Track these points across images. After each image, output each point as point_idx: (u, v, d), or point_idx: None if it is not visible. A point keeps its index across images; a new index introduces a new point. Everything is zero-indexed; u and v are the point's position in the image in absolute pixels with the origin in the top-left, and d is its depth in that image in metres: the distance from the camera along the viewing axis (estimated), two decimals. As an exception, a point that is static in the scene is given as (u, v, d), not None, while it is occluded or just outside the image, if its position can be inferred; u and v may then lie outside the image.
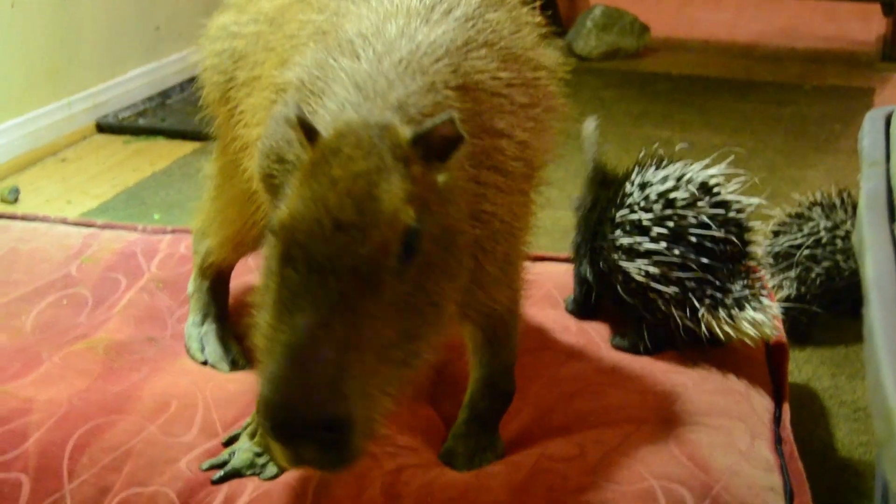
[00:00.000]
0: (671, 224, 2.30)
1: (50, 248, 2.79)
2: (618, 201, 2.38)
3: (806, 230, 3.03)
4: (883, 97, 5.46)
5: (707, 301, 2.28)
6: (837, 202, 3.06)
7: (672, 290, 2.28)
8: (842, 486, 2.42)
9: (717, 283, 2.29)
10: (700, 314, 2.28)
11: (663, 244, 2.28)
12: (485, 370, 2.05)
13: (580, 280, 2.52)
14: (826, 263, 2.98)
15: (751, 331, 2.28)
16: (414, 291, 1.45)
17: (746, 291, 2.31)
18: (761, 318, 2.28)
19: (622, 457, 1.96)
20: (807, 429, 2.58)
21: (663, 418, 2.10)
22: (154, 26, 5.34)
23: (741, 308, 2.28)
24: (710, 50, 6.52)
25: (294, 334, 1.37)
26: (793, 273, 2.99)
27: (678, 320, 2.30)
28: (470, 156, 1.69)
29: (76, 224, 2.96)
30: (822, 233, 3.00)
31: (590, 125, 2.55)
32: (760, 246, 2.43)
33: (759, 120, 5.12)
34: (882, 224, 1.79)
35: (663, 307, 2.31)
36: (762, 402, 2.22)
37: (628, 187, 2.39)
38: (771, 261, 3.06)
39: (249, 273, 2.63)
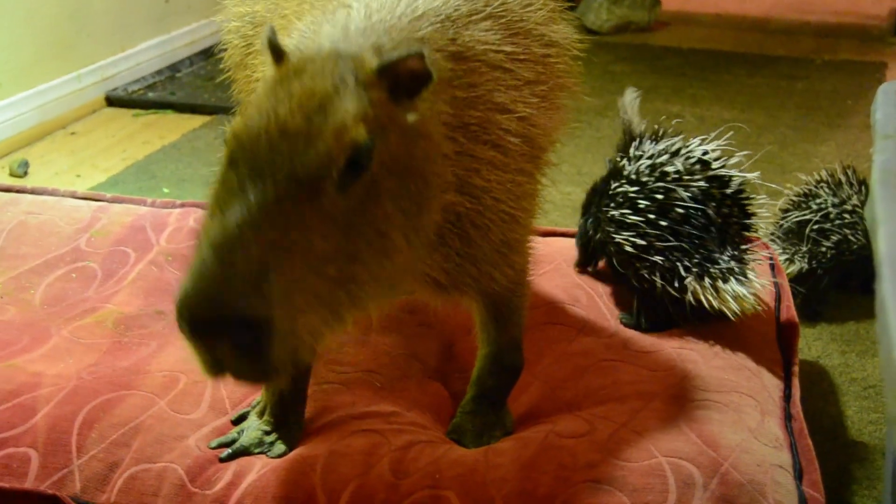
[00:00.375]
0: (660, 196, 2.31)
1: (59, 221, 2.79)
2: (615, 173, 2.41)
3: (814, 206, 3.04)
4: (895, 71, 5.43)
5: (694, 270, 2.28)
6: (843, 178, 3.08)
7: (657, 258, 2.29)
8: (851, 464, 2.41)
9: (705, 253, 2.30)
10: (686, 282, 2.28)
11: (651, 216, 2.30)
12: (492, 347, 2.04)
13: (583, 238, 2.56)
14: (835, 237, 2.99)
15: (732, 304, 2.27)
16: (358, 211, 1.43)
17: (733, 263, 2.30)
18: (742, 291, 2.27)
19: (631, 433, 1.96)
20: (817, 406, 2.58)
21: (673, 395, 2.10)
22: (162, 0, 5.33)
23: (725, 280, 2.28)
24: (722, 24, 6.48)
25: (222, 231, 1.36)
26: (803, 247, 3.00)
27: (665, 290, 2.30)
28: (462, 127, 1.69)
29: (85, 198, 2.96)
30: (830, 208, 3.02)
31: (628, 95, 2.55)
32: (761, 218, 2.42)
33: (771, 94, 5.10)
34: (895, 199, 1.78)
35: (648, 276, 2.32)
36: (772, 379, 2.22)
37: (624, 160, 2.41)
38: (781, 236, 3.06)
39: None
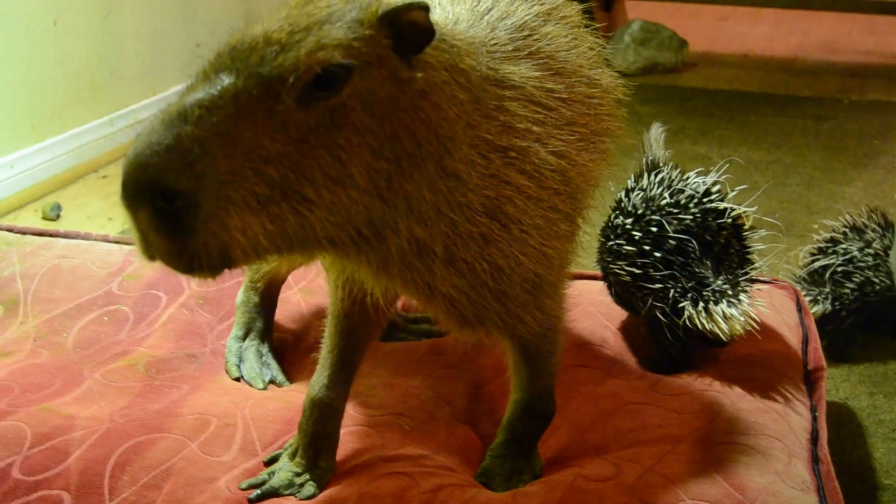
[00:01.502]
0: (653, 229, 2.34)
1: (91, 265, 2.82)
2: (615, 207, 2.46)
3: (840, 251, 3.05)
4: (923, 111, 5.43)
5: (689, 295, 2.30)
6: (867, 221, 3.08)
7: (653, 286, 2.32)
8: (880, 507, 2.41)
9: (699, 279, 2.32)
10: (681, 307, 2.30)
11: (645, 247, 2.33)
12: (524, 393, 2.04)
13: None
14: (858, 278, 3.00)
15: (722, 324, 2.28)
16: (317, 130, 1.45)
17: (726, 286, 2.31)
18: (731, 312, 2.28)
19: (658, 477, 1.96)
20: (844, 448, 2.58)
21: (700, 437, 2.10)
22: (195, 43, 5.38)
23: (716, 302, 2.29)
24: (749, 65, 6.50)
25: (176, 107, 1.41)
26: (826, 289, 3.01)
27: (663, 315, 2.32)
28: (499, 150, 1.70)
29: (117, 241, 2.99)
30: (855, 252, 3.03)
31: (654, 130, 2.58)
32: (768, 251, 2.44)
33: (798, 135, 5.11)
34: None
35: (644, 303, 2.34)
36: (799, 422, 2.21)
37: (622, 193, 2.46)
38: (806, 277, 3.07)
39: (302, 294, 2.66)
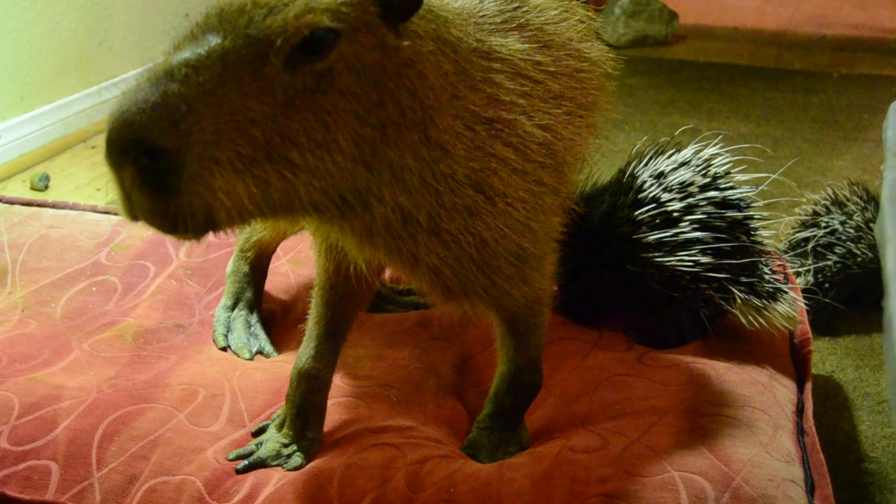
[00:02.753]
0: (701, 214, 2.28)
1: (80, 235, 2.82)
2: (633, 199, 2.33)
3: (822, 224, 3.07)
4: (912, 86, 5.44)
5: (742, 287, 2.29)
6: (849, 195, 3.11)
7: (723, 275, 2.28)
8: (864, 479, 2.42)
9: (748, 269, 2.31)
10: (736, 300, 2.29)
11: (703, 234, 2.26)
12: (510, 365, 2.05)
13: (587, 289, 2.45)
14: (839, 250, 3.01)
15: (779, 323, 2.31)
16: (303, 94, 1.45)
17: (778, 283, 2.33)
18: (787, 310, 2.30)
19: (644, 448, 1.97)
20: (830, 420, 2.59)
21: (686, 409, 2.11)
22: (183, 14, 5.36)
23: (773, 299, 2.31)
24: (739, 37, 6.50)
25: (162, 65, 1.41)
26: (809, 261, 3.02)
27: (718, 307, 2.31)
28: (485, 122, 1.71)
29: (106, 212, 2.98)
30: (837, 225, 3.04)
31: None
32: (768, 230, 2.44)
33: (788, 108, 5.12)
34: None
35: (705, 294, 2.30)
36: (785, 394, 2.23)
37: (640, 182, 2.34)
38: (789, 250, 3.09)
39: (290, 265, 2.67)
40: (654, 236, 2.29)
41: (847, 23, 6.73)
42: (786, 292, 2.34)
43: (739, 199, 2.33)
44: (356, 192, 1.57)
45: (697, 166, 2.35)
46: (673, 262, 2.28)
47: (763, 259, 2.36)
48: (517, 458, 1.98)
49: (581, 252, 2.35)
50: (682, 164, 2.35)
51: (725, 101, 5.22)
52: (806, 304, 2.48)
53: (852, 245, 3.01)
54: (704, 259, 2.26)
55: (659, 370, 2.26)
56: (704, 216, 2.28)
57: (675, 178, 2.32)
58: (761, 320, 2.30)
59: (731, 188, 2.33)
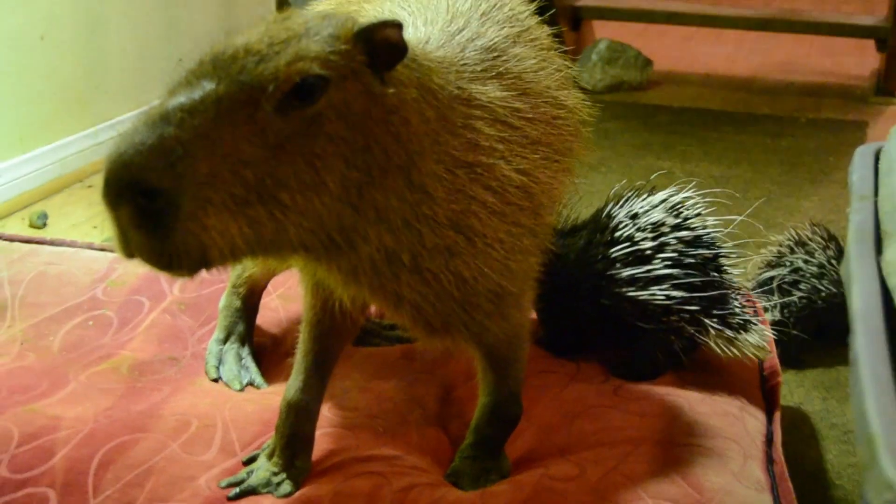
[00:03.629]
0: (672, 252, 2.36)
1: (77, 271, 2.86)
2: (608, 238, 2.41)
3: (786, 262, 3.16)
4: (876, 130, 5.50)
5: (714, 319, 2.36)
6: (811, 235, 3.20)
7: (694, 307, 2.35)
8: (831, 506, 2.48)
9: (720, 301, 2.39)
10: (709, 331, 2.36)
11: (675, 270, 2.35)
12: (491, 397, 2.09)
13: (565, 322, 2.52)
14: (805, 286, 3.09)
15: (750, 352, 2.39)
16: (294, 138, 1.50)
17: (748, 315, 2.40)
18: (758, 340, 2.39)
19: (620, 476, 2.02)
20: (798, 450, 2.64)
21: (660, 439, 2.16)
22: (177, 58, 5.38)
23: (744, 330, 2.38)
24: (711, 83, 6.56)
25: (157, 110, 1.46)
26: (775, 297, 3.10)
27: (690, 338, 2.38)
28: (465, 166, 1.75)
29: (102, 249, 3.02)
30: (800, 263, 3.13)
31: None
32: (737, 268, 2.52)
33: (758, 151, 5.17)
34: (869, 257, 1.83)
35: (676, 326, 2.38)
36: (755, 424, 2.28)
37: (615, 222, 2.43)
38: (756, 289, 3.16)
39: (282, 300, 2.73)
40: (627, 272, 2.37)
41: (814, 70, 6.80)
42: (755, 324, 2.42)
43: (709, 239, 2.42)
44: (343, 231, 1.61)
45: (669, 208, 2.42)
46: (645, 297, 2.35)
47: (733, 293, 2.44)
48: (498, 486, 2.02)
49: (559, 287, 2.41)
50: (656, 206, 2.42)
51: (698, 144, 5.26)
52: (774, 335, 2.55)
53: (816, 281, 3.09)
54: (676, 293, 2.34)
55: (634, 402, 2.31)
56: (675, 254, 2.35)
57: (647, 219, 2.40)
58: (733, 350, 2.37)
59: (703, 227, 2.42)
